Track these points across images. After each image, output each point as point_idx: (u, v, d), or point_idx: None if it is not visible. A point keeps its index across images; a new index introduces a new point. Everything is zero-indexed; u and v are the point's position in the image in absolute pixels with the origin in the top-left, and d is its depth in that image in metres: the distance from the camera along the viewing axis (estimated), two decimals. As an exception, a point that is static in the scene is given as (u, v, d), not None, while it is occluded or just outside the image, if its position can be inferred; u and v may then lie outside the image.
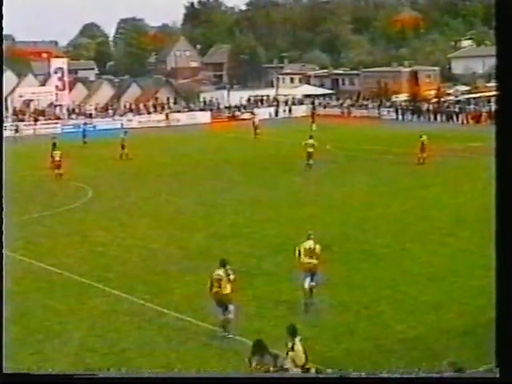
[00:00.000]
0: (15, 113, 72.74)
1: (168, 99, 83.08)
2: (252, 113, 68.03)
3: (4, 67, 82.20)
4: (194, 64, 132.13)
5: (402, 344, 16.37)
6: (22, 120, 70.37)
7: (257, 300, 19.43)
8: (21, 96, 76.50)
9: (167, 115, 74.29)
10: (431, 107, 74.06)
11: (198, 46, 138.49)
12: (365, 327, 17.48)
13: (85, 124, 63.49)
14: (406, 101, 79.51)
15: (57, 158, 40.94)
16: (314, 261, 19.07)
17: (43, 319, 18.54)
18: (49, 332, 17.63)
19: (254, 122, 60.80)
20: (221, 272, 16.86)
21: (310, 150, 41.01)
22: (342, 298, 19.53)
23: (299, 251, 19.15)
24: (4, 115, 69.37)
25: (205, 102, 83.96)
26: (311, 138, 41.88)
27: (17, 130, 63.28)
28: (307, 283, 18.68)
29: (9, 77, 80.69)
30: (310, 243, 19.25)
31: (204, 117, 76.31)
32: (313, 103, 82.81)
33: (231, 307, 16.85)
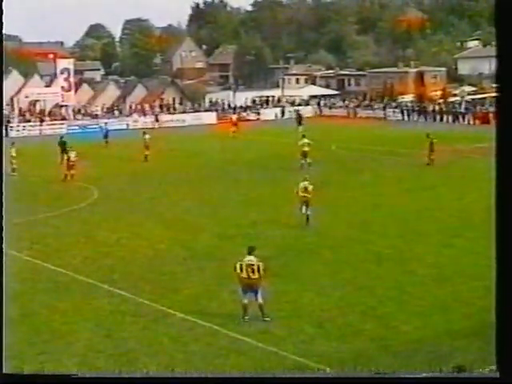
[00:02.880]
0: (21, 113, 72.84)
1: (174, 100, 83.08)
2: (258, 113, 67.87)
3: (10, 68, 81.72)
4: (199, 65, 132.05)
5: (407, 345, 16.35)
6: (29, 120, 70.49)
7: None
8: (27, 97, 76.50)
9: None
10: (437, 108, 73.96)
11: (204, 47, 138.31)
12: (370, 328, 17.46)
13: (105, 124, 62.88)
14: (412, 101, 79.42)
15: (72, 158, 38.89)
16: (309, 195, 27.28)
17: (49, 319, 18.54)
18: (54, 332, 17.63)
19: (231, 119, 61.29)
20: (252, 258, 17.89)
21: (306, 149, 41.47)
22: (348, 299, 19.55)
23: (297, 190, 27.49)
24: (10, 116, 69.59)
25: (210, 102, 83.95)
26: (304, 137, 42.55)
27: None
28: None
29: (15, 77, 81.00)
30: (304, 183, 27.59)
31: (210, 117, 76.29)
32: (318, 104, 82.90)
33: (261, 292, 17.62)
